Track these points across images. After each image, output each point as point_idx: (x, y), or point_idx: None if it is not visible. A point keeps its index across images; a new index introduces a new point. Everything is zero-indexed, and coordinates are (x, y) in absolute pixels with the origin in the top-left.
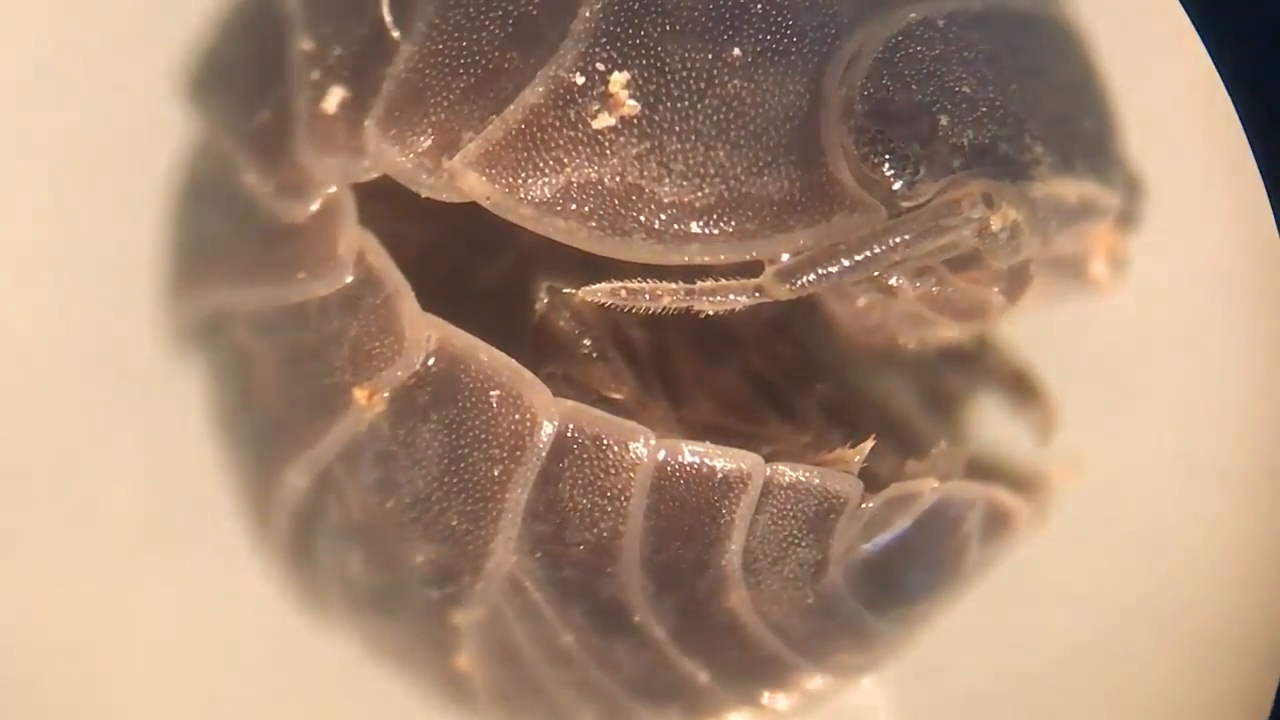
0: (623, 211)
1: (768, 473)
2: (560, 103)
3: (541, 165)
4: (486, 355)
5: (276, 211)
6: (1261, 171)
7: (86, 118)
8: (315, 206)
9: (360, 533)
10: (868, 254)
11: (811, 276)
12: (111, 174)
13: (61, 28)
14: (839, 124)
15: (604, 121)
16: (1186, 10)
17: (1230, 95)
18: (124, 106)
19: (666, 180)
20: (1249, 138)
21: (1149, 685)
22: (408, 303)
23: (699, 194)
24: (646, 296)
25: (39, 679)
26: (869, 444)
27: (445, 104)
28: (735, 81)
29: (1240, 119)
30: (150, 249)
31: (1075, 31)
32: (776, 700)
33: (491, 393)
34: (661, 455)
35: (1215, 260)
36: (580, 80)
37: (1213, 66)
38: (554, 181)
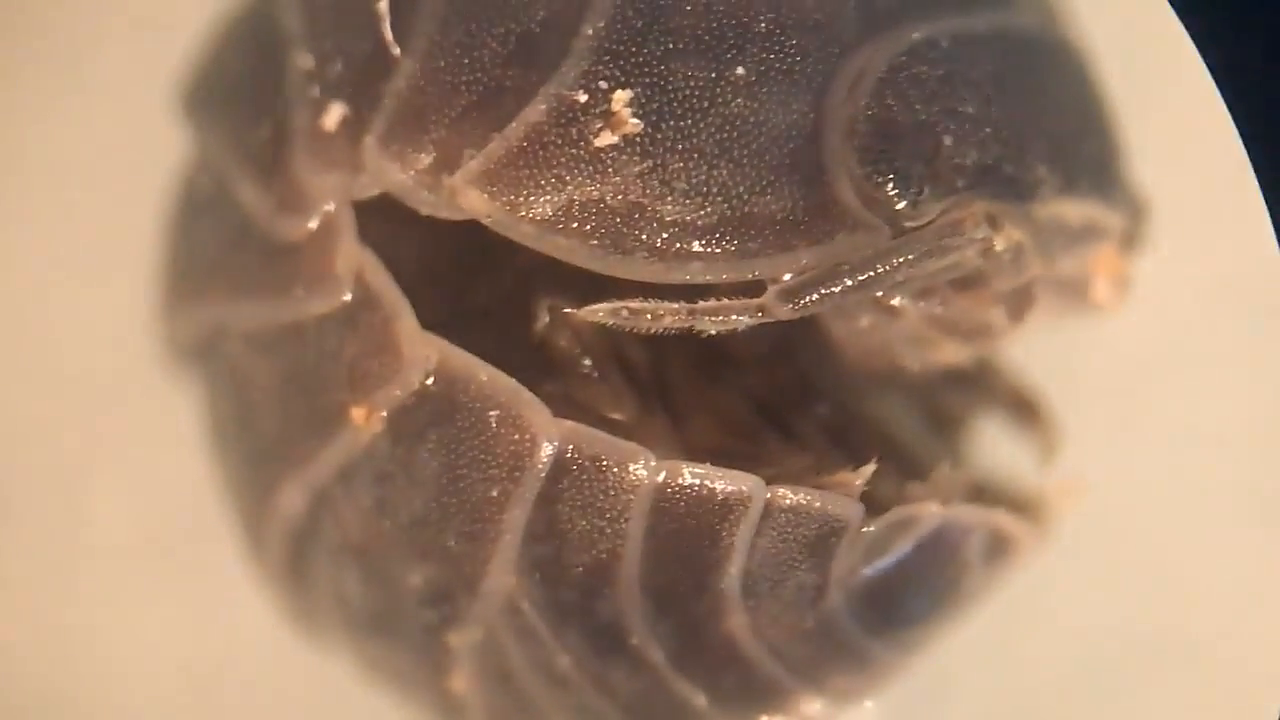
0: (625, 230)
1: (768, 495)
2: (562, 120)
3: (543, 183)
4: (486, 374)
5: (274, 228)
6: (1263, 191)
7: (84, 132)
8: (313, 224)
9: (356, 553)
10: (871, 274)
11: (814, 296)
12: (107, 189)
13: (58, 41)
14: (842, 143)
15: (606, 139)
16: (1188, 31)
17: (1231, 116)
18: (121, 121)
19: (669, 199)
20: (1251, 158)
21: (1153, 711)
22: (406, 321)
23: (701, 213)
24: (648, 316)
25: (30, 699)
26: (870, 467)
27: (446, 121)
28: (739, 100)
29: (1242, 139)
30: (146, 265)
31: (1078, 53)
32: None
33: (491, 412)
34: (661, 476)
35: (1218, 280)
36: (583, 98)
37: (1214, 87)
38: (555, 199)
